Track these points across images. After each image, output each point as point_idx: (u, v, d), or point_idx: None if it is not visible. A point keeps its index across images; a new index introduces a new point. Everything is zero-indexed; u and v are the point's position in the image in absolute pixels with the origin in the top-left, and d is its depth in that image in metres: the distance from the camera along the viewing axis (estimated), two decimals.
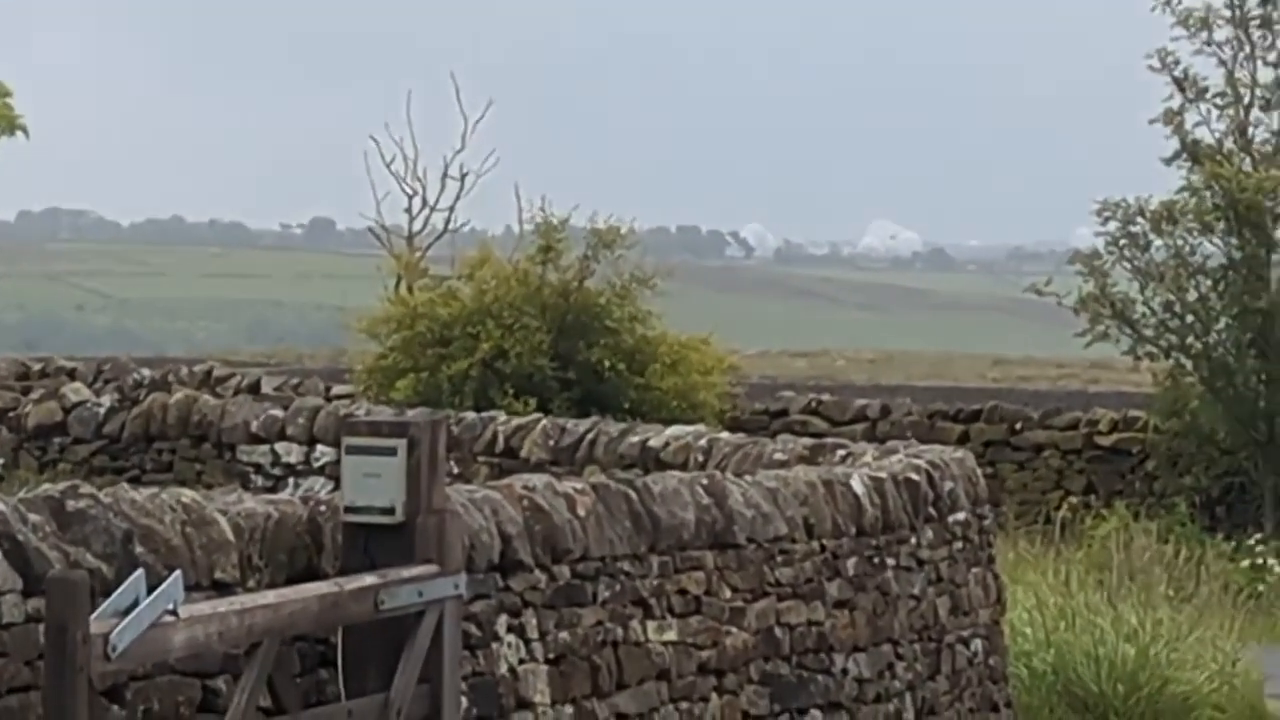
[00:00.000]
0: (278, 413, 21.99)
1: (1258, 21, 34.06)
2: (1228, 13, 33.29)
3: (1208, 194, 33.22)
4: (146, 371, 27.76)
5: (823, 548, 14.32)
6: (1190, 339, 34.06)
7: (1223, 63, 33.58)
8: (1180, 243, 33.93)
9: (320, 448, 18.52)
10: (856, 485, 15.11)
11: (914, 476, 16.16)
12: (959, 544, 16.96)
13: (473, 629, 10.26)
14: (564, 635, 11.25)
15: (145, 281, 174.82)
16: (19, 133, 29.36)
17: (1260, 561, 27.53)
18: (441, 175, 41.19)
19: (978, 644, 17.02)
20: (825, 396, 35.79)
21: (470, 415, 22.87)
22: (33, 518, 7.91)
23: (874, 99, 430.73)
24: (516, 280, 31.33)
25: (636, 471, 17.76)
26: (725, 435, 21.24)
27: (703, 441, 19.87)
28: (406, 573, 9.39)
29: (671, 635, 12.31)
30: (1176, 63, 33.30)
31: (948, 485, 16.81)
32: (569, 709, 11.50)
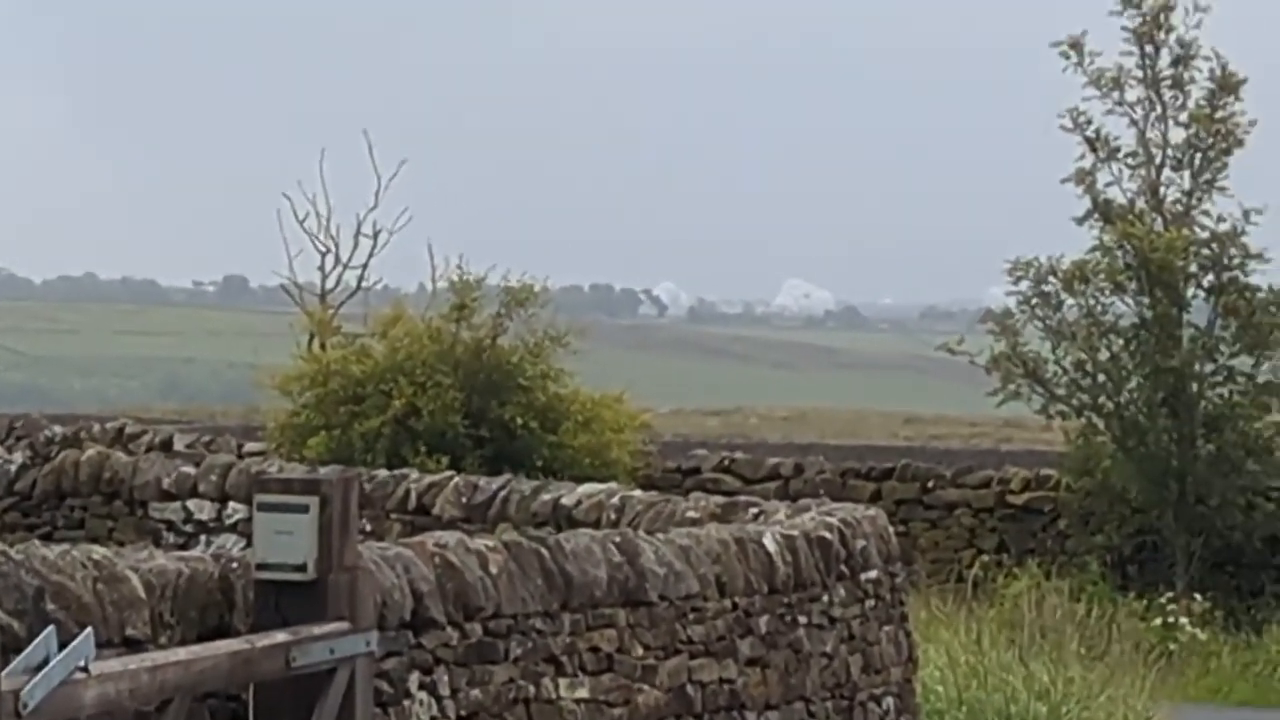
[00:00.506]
0: (190, 470, 21.76)
1: (1169, 82, 34.29)
2: (1139, 73, 33.61)
3: (1119, 253, 33.52)
4: (59, 428, 27.67)
5: (735, 605, 14.36)
6: (1102, 398, 34.26)
7: (1134, 123, 33.88)
8: (1092, 302, 34.23)
9: (232, 505, 17.94)
10: (769, 543, 15.15)
11: (826, 535, 16.13)
12: (871, 602, 17.01)
13: (385, 686, 10.22)
14: (476, 693, 11.24)
15: (58, 339, 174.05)
16: None
17: (1171, 620, 27.59)
18: (355, 233, 41.35)
19: (890, 702, 17.02)
20: (738, 454, 35.68)
21: (383, 473, 22.70)
22: None
23: (787, 159, 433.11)
24: (429, 338, 31.33)
25: (549, 529, 17.70)
26: (638, 493, 21.04)
27: (615, 499, 19.83)
28: (318, 630, 9.39)
29: (583, 693, 12.30)
30: (1088, 122, 33.67)
31: (860, 543, 16.82)
32: None
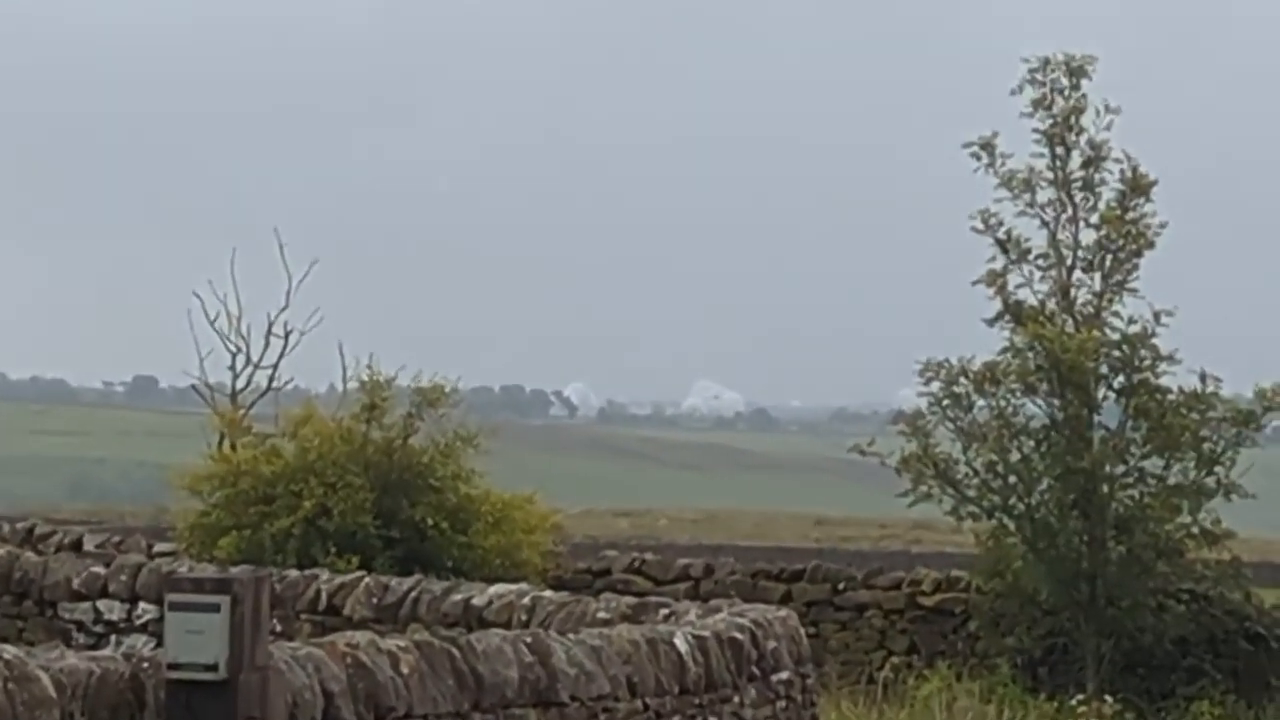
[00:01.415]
0: (99, 570, 21.25)
1: (1080, 184, 34.35)
2: (1050, 174, 33.73)
3: (1030, 355, 33.53)
4: None
5: (646, 706, 14.24)
6: (1013, 499, 34.07)
7: (1045, 224, 33.94)
8: (1003, 403, 34.20)
9: (143, 605, 17.80)
10: (680, 644, 15.08)
11: (737, 635, 16.10)
12: (782, 703, 16.99)
13: None
14: None
15: None
16: None
17: None
18: (265, 332, 41.39)
19: None
20: (648, 555, 35.74)
21: (293, 573, 22.31)
22: None
23: (699, 260, 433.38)
24: (340, 438, 31.29)
25: (460, 630, 17.59)
26: (549, 594, 20.86)
27: (526, 600, 19.61)
28: None
29: None
30: (1000, 224, 33.68)
31: (771, 644, 16.87)
32: None
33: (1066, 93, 34.30)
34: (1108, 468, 33.65)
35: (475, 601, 19.77)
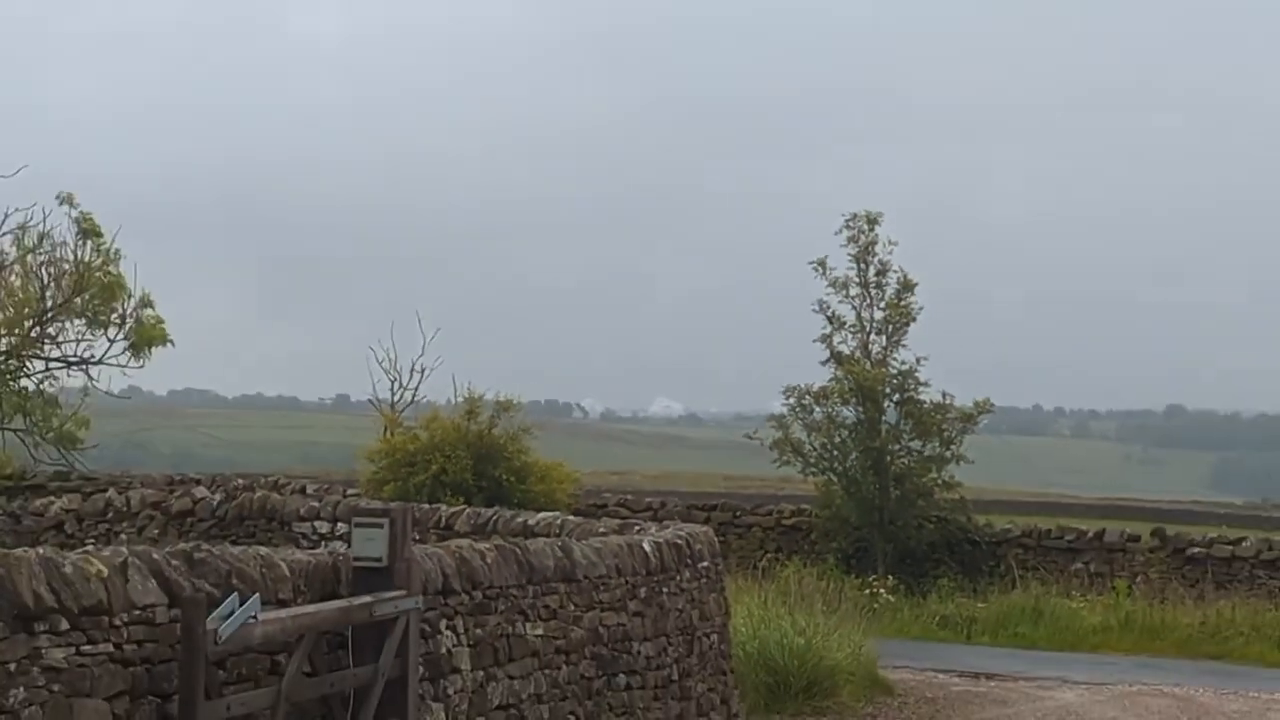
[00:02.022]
0: (316, 503, 21.21)
1: (874, 284, 34.06)
2: (857, 278, 33.80)
3: (846, 382, 33.67)
4: (240, 480, 27.23)
5: (626, 581, 14.43)
6: (836, 465, 34.31)
7: (854, 308, 34.15)
8: (831, 410, 34.28)
9: (340, 524, 17.50)
10: (646, 545, 15.27)
11: (678, 541, 16.22)
12: (704, 579, 16.70)
13: (426, 627, 10.31)
14: (478, 630, 11.31)
15: (241, 431, 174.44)
16: (169, 343, 28.02)
17: (874, 591, 27.55)
18: (410, 369, 41.44)
19: (714, 637, 16.77)
20: (628, 496, 35.96)
21: (425, 507, 21.83)
22: (174, 563, 8.17)
23: (663, 311, 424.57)
24: (453, 429, 30.31)
25: (520, 538, 17.41)
26: (571, 518, 20.53)
27: (558, 521, 19.02)
28: (388, 595, 9.51)
29: (540, 631, 12.28)
30: (828, 307, 33.94)
31: (698, 546, 16.61)
32: (480, 673, 11.73)
33: (867, 232, 34.45)
34: (890, 446, 33.72)
35: (529, 522, 19.32)
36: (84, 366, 23.68)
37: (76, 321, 22.52)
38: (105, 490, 23.93)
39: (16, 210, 23.17)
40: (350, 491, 26.61)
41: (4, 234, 21.51)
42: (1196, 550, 31.03)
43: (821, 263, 35.55)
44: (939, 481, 34.46)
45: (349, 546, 10.09)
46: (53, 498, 23.25)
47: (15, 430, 23.18)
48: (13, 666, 6.67)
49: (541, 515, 19.84)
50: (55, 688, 6.66)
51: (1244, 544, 30.89)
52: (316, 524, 20.15)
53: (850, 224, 35.59)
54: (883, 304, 35.40)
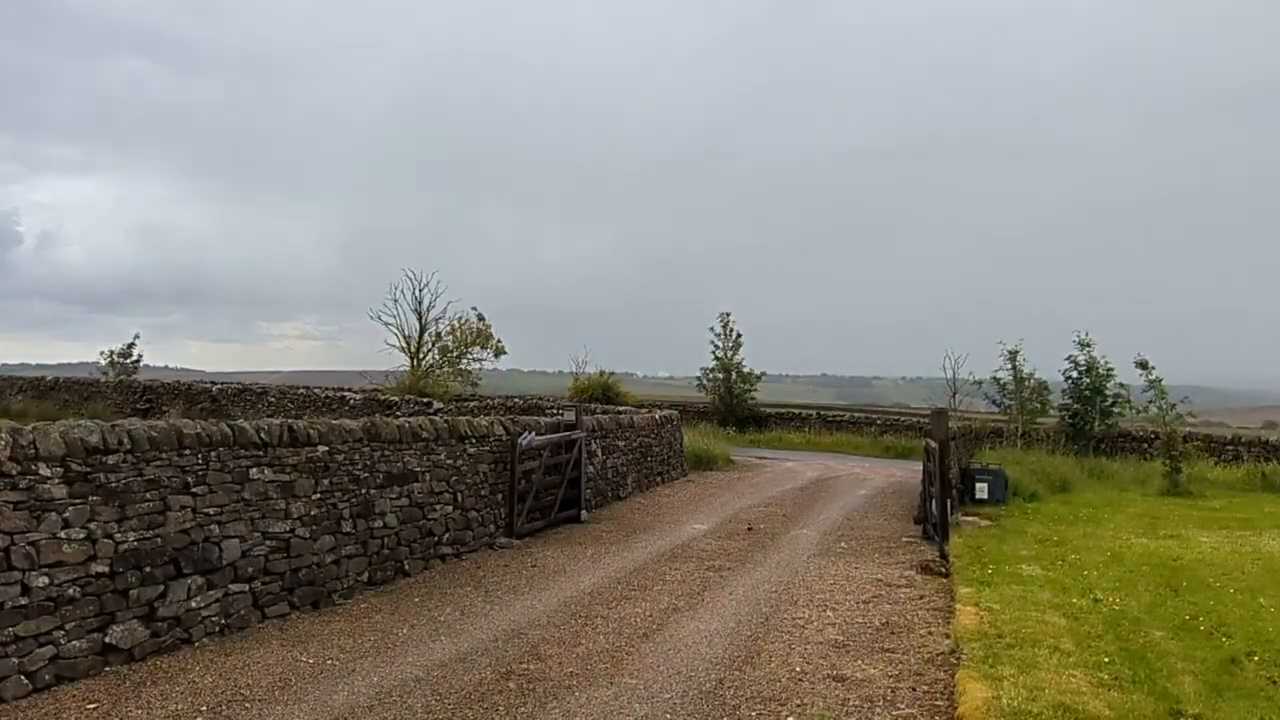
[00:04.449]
0: (550, 403, 28.32)
1: (733, 348, 38.34)
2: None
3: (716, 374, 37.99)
4: (518, 400, 33.58)
5: (650, 429, 19.20)
6: (713, 384, 38.49)
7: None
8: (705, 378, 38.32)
9: (564, 410, 20.50)
10: (657, 415, 20.23)
11: (668, 415, 21.89)
12: (676, 429, 22.13)
13: (586, 445, 15.17)
14: (602, 443, 16.70)
15: None
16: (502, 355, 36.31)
17: (729, 431, 35.75)
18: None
19: (679, 445, 21.74)
20: (658, 404, 37.75)
21: (590, 404, 28.69)
22: (505, 419, 13.13)
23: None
24: (596, 380, 35.84)
25: (617, 413, 22.18)
26: (634, 409, 27.44)
27: (629, 410, 24.87)
28: (576, 432, 14.94)
29: (621, 443, 17.96)
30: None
31: (674, 417, 21.67)
32: (602, 457, 16.78)
33: (729, 329, 38.20)
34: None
35: (620, 411, 23.85)
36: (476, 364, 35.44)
37: (475, 349, 34.86)
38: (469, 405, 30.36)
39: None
40: (564, 403, 30.70)
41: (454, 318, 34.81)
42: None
43: (723, 315, 38.62)
44: (752, 396, 38.51)
45: (561, 415, 15.39)
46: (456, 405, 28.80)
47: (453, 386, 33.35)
48: (443, 456, 11.57)
49: (625, 407, 25.71)
50: (470, 456, 12.31)
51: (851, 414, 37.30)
52: (553, 409, 25.08)
53: (719, 320, 38.56)
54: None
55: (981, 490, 16.60)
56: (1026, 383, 29.78)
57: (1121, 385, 28.21)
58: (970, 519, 15.09)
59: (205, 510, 8.34)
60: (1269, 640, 8.36)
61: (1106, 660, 7.68)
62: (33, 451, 7.26)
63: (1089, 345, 28.79)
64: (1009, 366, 30.29)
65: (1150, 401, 25.23)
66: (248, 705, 6.90)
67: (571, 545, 12.59)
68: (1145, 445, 27.02)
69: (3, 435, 7.01)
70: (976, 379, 32.13)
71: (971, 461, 18.79)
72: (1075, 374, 28.58)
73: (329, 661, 7.80)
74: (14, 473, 7.12)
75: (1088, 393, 28.26)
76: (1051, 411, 29.23)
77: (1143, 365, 25.80)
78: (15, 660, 7.01)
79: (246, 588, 8.74)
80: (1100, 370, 28.56)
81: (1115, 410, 28.13)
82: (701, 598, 10.03)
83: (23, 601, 7.09)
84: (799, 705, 7.11)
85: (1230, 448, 26.47)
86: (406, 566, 10.67)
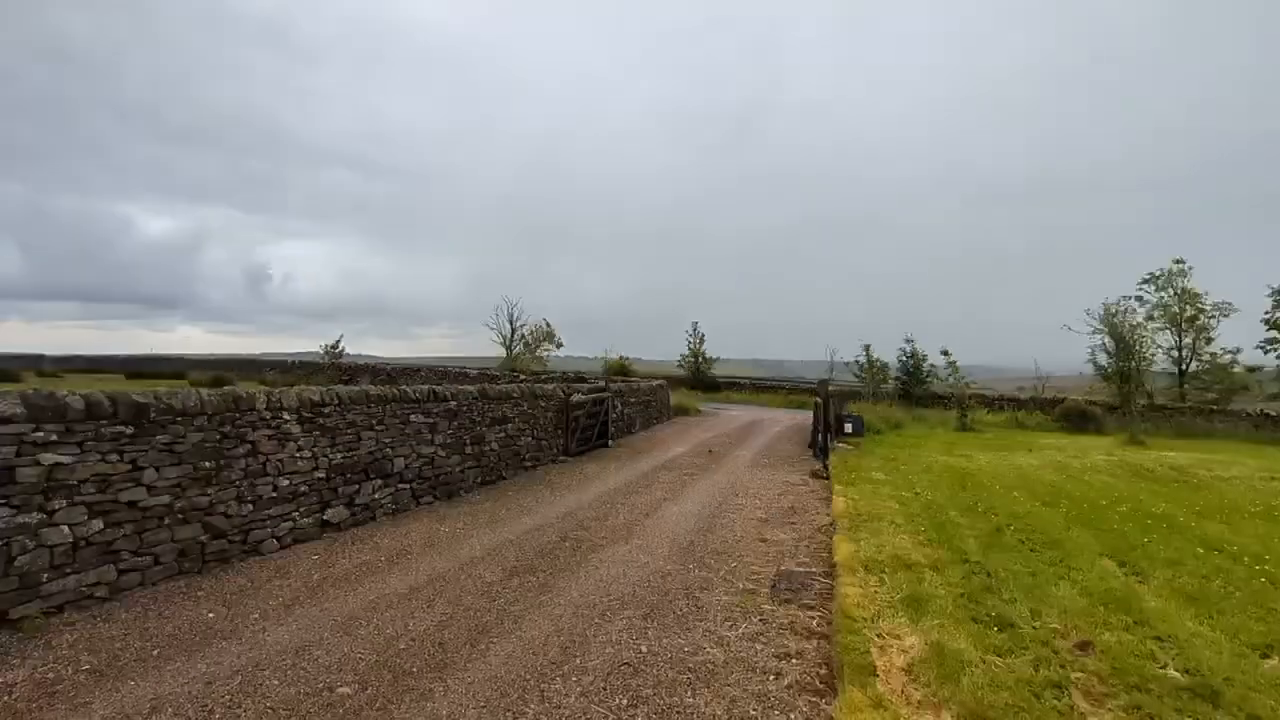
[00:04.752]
0: (586, 378, 21.85)
1: None
2: None
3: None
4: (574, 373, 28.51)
5: (650, 391, 17.15)
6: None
7: None
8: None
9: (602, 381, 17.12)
10: (655, 382, 17.94)
11: (661, 382, 19.19)
12: (665, 390, 19.39)
13: (613, 400, 14.08)
14: (620, 400, 15.13)
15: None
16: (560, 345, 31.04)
17: (696, 393, 29.36)
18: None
19: (669, 400, 19.78)
20: (656, 376, 30.30)
21: (614, 377, 22.34)
22: (560, 386, 12.33)
23: None
24: (617, 363, 31.58)
25: (631, 382, 18.37)
26: (643, 378, 22.93)
27: (639, 380, 20.35)
28: (605, 391, 13.73)
29: (634, 400, 16.16)
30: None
31: (665, 384, 19.28)
32: (620, 406, 15.08)
33: (696, 330, 33.69)
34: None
35: (633, 379, 20.37)
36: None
37: (545, 343, 32.13)
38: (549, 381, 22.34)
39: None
40: (598, 375, 25.78)
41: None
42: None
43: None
44: (711, 371, 33.82)
45: (598, 383, 14.61)
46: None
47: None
48: (526, 408, 10.66)
49: (635, 378, 22.42)
50: (542, 407, 11.40)
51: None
52: (593, 380, 20.27)
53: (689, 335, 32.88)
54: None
55: (849, 427, 16.48)
56: (875, 364, 29.24)
57: (932, 365, 27.07)
58: (842, 445, 14.94)
59: (383, 440, 8.21)
60: (1019, 517, 8.37)
61: (923, 530, 7.68)
62: (279, 404, 7.27)
63: (913, 341, 28.35)
64: (865, 355, 30.08)
65: (949, 375, 24.67)
66: (410, 556, 6.95)
67: (603, 461, 12.35)
68: (946, 401, 26.35)
69: (260, 395, 7.00)
70: (846, 361, 30.94)
71: (842, 410, 18.61)
72: (905, 358, 28.14)
73: (458, 530, 7.75)
74: (268, 417, 7.13)
75: (912, 369, 27.79)
76: (891, 381, 28.71)
77: (945, 353, 25.24)
78: (270, 529, 7.04)
79: (408, 487, 8.47)
80: (920, 356, 28.01)
81: (928, 380, 27.56)
82: (681, 492, 9.89)
83: (273, 495, 7.09)
84: (740, 555, 7.13)
85: (998, 402, 25.94)
86: (503, 474, 10.39)
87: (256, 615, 5.52)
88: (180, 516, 6.09)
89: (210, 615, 5.47)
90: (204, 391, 6.40)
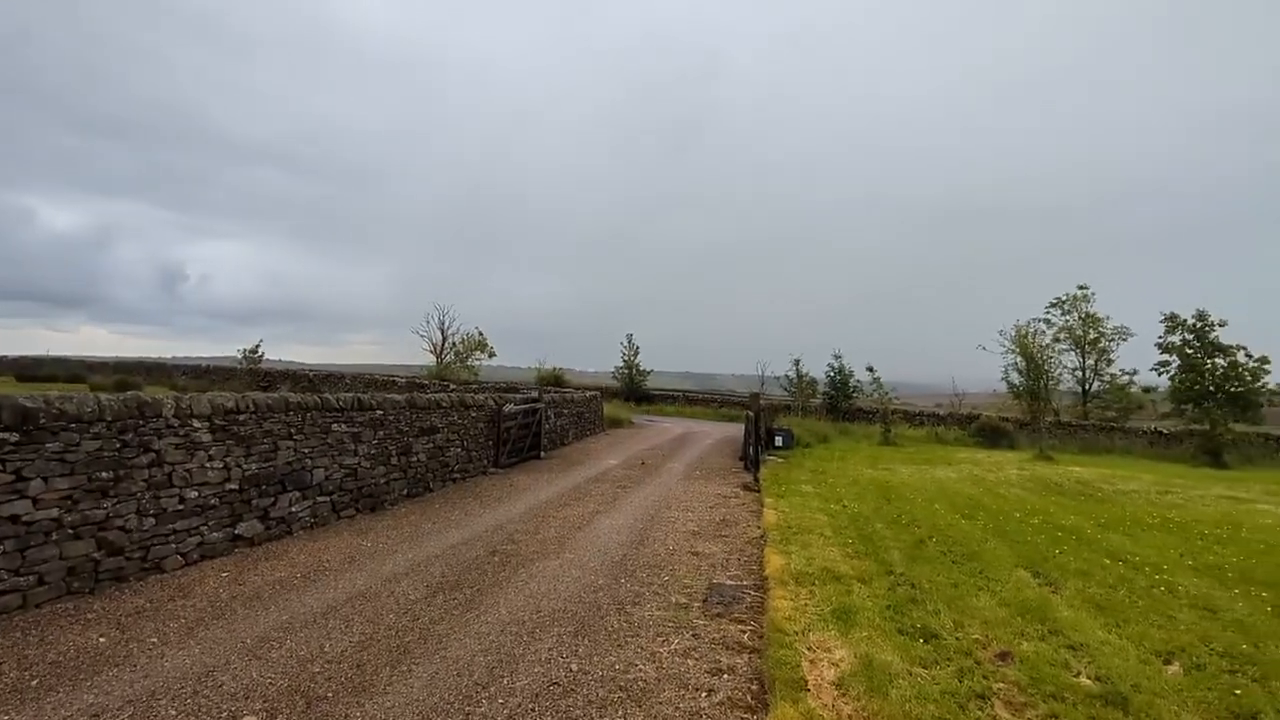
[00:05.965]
0: (525, 389, 21.18)
1: None
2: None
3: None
4: (496, 383, 27.12)
5: (582, 401, 16.67)
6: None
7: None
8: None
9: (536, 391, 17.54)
10: (587, 395, 17.41)
11: (593, 393, 18.62)
12: (599, 402, 18.91)
13: (546, 413, 13.78)
14: (552, 410, 14.73)
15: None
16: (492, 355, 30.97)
17: (631, 405, 28.84)
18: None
19: (602, 413, 18.94)
20: (588, 387, 29.06)
21: (547, 388, 21.90)
22: (491, 396, 12.16)
23: None
24: (550, 373, 29.72)
25: (562, 393, 17.26)
26: (574, 389, 22.78)
27: (572, 391, 20.33)
28: (539, 403, 13.38)
29: (565, 412, 15.59)
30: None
31: (599, 395, 18.80)
32: (553, 417, 14.96)
33: (631, 343, 31.70)
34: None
35: (567, 390, 19.53)
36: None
37: (476, 352, 32.06)
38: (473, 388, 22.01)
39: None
40: (531, 386, 24.97)
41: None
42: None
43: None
44: (644, 383, 31.91)
45: (530, 393, 14.22)
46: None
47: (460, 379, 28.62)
48: (455, 418, 10.32)
49: (569, 389, 22.95)
50: (473, 417, 11.10)
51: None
52: (524, 390, 20.13)
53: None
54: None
55: (779, 440, 16.67)
56: (804, 379, 29.74)
57: (858, 381, 28.12)
58: (772, 458, 15.05)
59: (302, 450, 7.91)
60: (941, 529, 8.57)
61: (850, 541, 7.82)
62: (189, 411, 6.87)
63: (841, 357, 28.86)
64: (794, 370, 30.62)
65: (874, 390, 25.12)
66: (328, 572, 6.77)
67: (535, 473, 12.22)
68: (870, 415, 26.93)
69: (168, 401, 6.57)
70: (776, 375, 31.45)
71: (773, 424, 18.82)
72: (832, 374, 28.63)
73: (380, 545, 7.50)
74: (176, 424, 6.75)
75: (839, 384, 28.29)
76: (818, 395, 29.31)
77: (870, 369, 25.78)
78: (174, 545, 6.67)
79: (328, 499, 8.22)
80: (846, 372, 28.60)
81: (854, 395, 28.16)
82: (614, 505, 9.80)
83: (179, 508, 6.71)
84: (671, 569, 7.02)
85: (919, 417, 26.96)
86: (431, 485, 10.19)
87: (155, 639, 5.12)
88: (71, 532, 5.61)
89: (101, 640, 5.03)
90: (104, 396, 5.97)
